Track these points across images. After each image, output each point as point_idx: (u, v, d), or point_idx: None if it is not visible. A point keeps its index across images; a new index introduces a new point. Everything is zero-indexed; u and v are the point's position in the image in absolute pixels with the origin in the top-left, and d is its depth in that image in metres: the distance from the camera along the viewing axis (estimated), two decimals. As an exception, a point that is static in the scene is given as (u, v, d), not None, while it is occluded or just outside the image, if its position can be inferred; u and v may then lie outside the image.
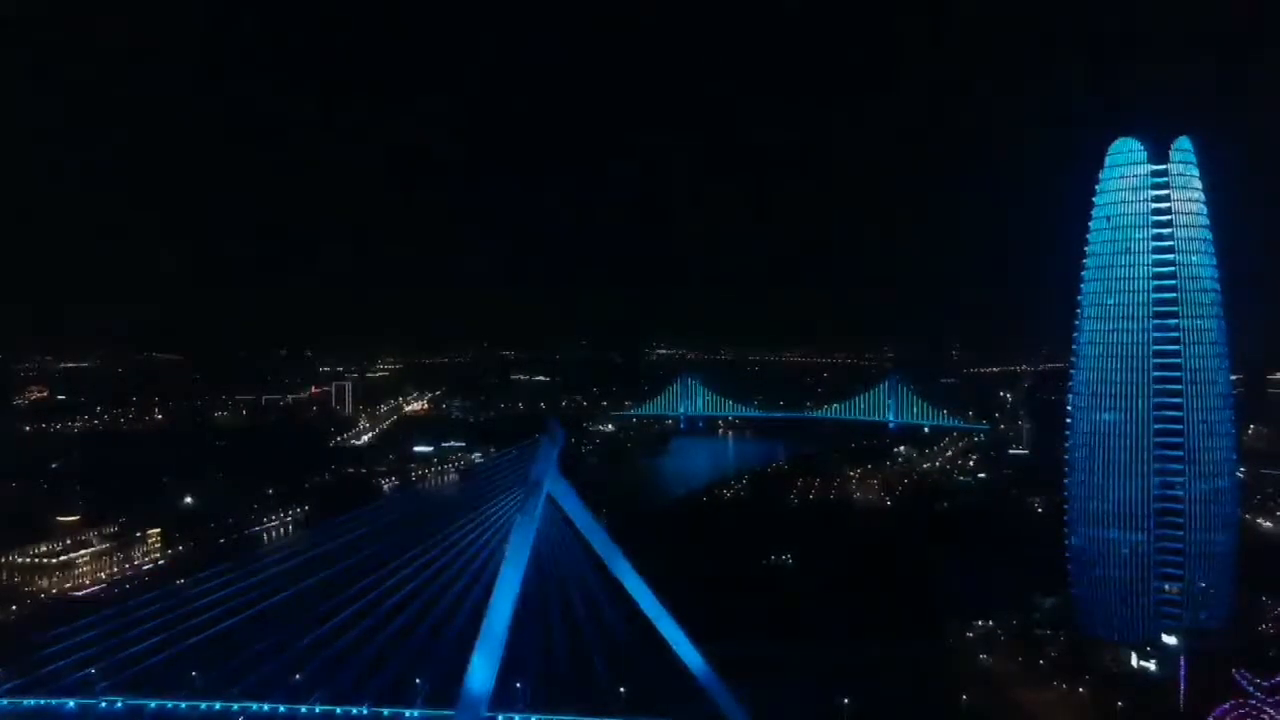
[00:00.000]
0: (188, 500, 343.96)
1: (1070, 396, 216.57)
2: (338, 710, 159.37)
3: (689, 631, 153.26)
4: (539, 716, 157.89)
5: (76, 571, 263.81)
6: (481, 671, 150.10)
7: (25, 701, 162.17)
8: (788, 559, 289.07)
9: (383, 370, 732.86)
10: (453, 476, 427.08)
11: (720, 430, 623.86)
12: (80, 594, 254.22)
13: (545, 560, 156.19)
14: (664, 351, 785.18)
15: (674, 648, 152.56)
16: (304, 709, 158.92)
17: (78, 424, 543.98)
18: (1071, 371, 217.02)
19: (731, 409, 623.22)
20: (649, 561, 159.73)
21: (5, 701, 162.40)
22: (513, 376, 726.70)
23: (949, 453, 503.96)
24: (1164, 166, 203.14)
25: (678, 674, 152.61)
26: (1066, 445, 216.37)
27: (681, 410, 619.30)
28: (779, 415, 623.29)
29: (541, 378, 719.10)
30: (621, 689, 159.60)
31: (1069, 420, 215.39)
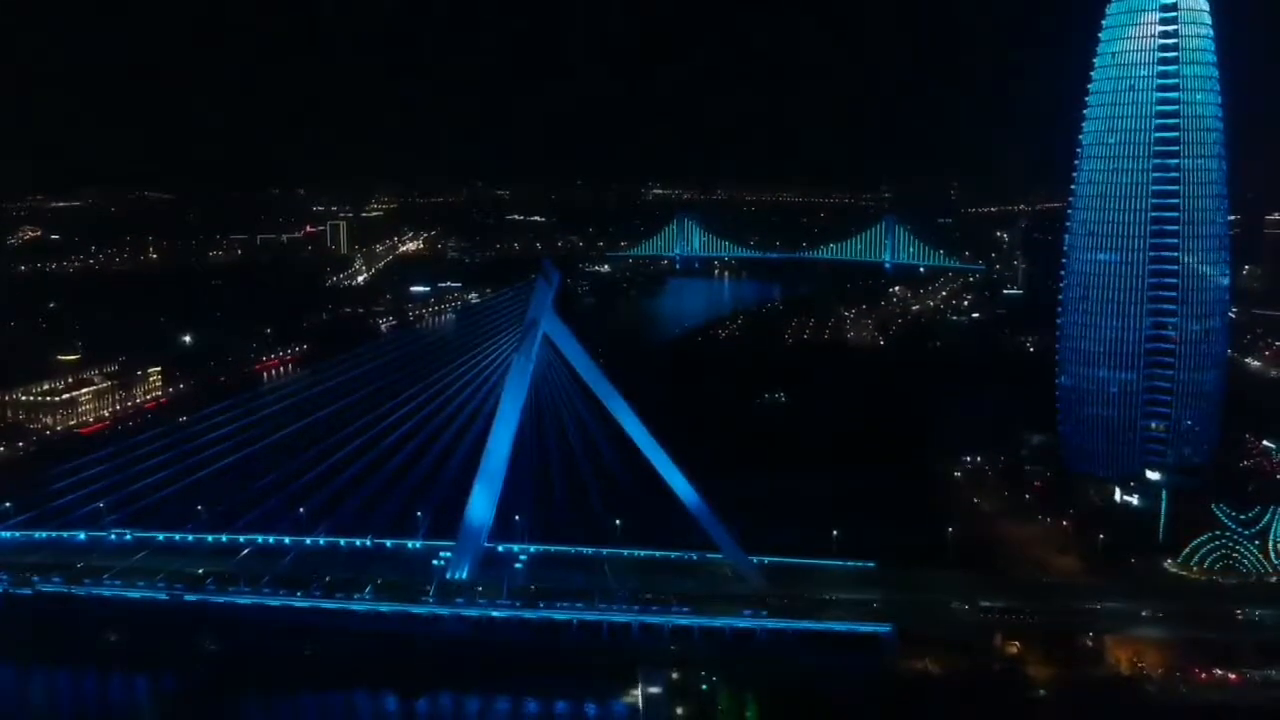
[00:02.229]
0: (186, 339, 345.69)
1: (1067, 236, 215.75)
2: (341, 542, 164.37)
3: (683, 467, 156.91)
4: (537, 547, 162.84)
5: (80, 409, 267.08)
6: (481, 504, 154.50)
7: (37, 534, 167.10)
8: (781, 397, 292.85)
9: (377, 210, 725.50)
10: (450, 316, 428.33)
11: (716, 271, 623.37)
12: (84, 431, 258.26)
13: (542, 398, 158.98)
14: (660, 192, 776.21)
15: (668, 482, 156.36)
16: (308, 541, 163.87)
17: (72, 264, 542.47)
18: (1069, 211, 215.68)
19: (727, 249, 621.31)
20: (644, 399, 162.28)
21: (18, 534, 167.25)
22: (508, 216, 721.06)
23: (944, 293, 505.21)
24: (1173, 0, 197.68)
25: (671, 508, 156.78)
26: (1061, 285, 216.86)
27: (677, 251, 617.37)
28: (775, 256, 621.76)
29: (537, 218, 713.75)
30: (617, 521, 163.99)
31: (1065, 260, 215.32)
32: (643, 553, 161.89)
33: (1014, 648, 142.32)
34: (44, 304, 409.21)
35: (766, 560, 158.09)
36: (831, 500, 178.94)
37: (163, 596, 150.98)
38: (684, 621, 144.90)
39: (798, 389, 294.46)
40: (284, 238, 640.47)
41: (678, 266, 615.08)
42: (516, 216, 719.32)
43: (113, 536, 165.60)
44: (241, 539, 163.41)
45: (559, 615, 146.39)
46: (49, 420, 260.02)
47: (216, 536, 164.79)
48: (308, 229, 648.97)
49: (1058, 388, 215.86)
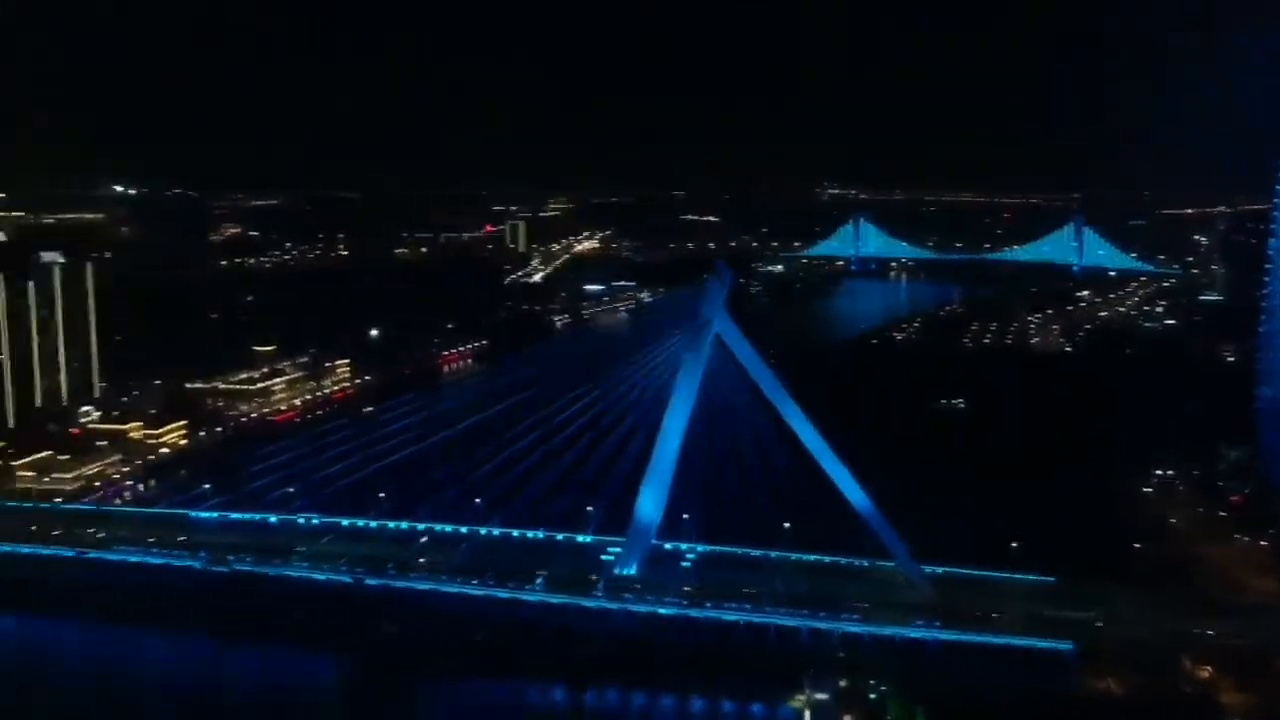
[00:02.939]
0: (372, 333, 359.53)
1: (1272, 240, 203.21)
2: (514, 533, 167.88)
3: (854, 472, 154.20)
4: (704, 547, 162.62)
5: (273, 398, 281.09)
6: (650, 501, 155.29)
7: (232, 515, 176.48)
8: (960, 403, 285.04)
9: (554, 209, 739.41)
10: (623, 315, 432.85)
11: (893, 272, 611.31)
12: (277, 419, 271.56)
13: (713, 398, 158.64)
14: (836, 191, 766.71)
15: (839, 487, 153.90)
16: (483, 531, 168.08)
17: (269, 260, 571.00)
18: (1275, 214, 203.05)
19: (905, 250, 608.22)
20: (816, 402, 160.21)
21: (216, 514, 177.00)
22: (682, 216, 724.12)
23: (1136, 297, 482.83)
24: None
25: (842, 513, 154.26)
26: (1265, 291, 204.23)
27: (853, 251, 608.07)
28: (955, 257, 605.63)
29: (711, 218, 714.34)
30: (786, 524, 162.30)
31: (1269, 265, 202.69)
32: (811, 557, 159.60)
33: (1206, 672, 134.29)
34: (243, 297, 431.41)
35: (940, 570, 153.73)
36: (1011, 511, 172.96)
37: (346, 580, 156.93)
38: (853, 628, 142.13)
39: (977, 395, 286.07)
40: (465, 236, 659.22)
41: (853, 267, 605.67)
42: (690, 216, 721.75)
43: (301, 520, 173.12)
44: (420, 527, 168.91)
45: (726, 616, 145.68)
46: (245, 407, 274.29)
47: (397, 523, 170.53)
48: (488, 228, 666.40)
49: (1258, 399, 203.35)
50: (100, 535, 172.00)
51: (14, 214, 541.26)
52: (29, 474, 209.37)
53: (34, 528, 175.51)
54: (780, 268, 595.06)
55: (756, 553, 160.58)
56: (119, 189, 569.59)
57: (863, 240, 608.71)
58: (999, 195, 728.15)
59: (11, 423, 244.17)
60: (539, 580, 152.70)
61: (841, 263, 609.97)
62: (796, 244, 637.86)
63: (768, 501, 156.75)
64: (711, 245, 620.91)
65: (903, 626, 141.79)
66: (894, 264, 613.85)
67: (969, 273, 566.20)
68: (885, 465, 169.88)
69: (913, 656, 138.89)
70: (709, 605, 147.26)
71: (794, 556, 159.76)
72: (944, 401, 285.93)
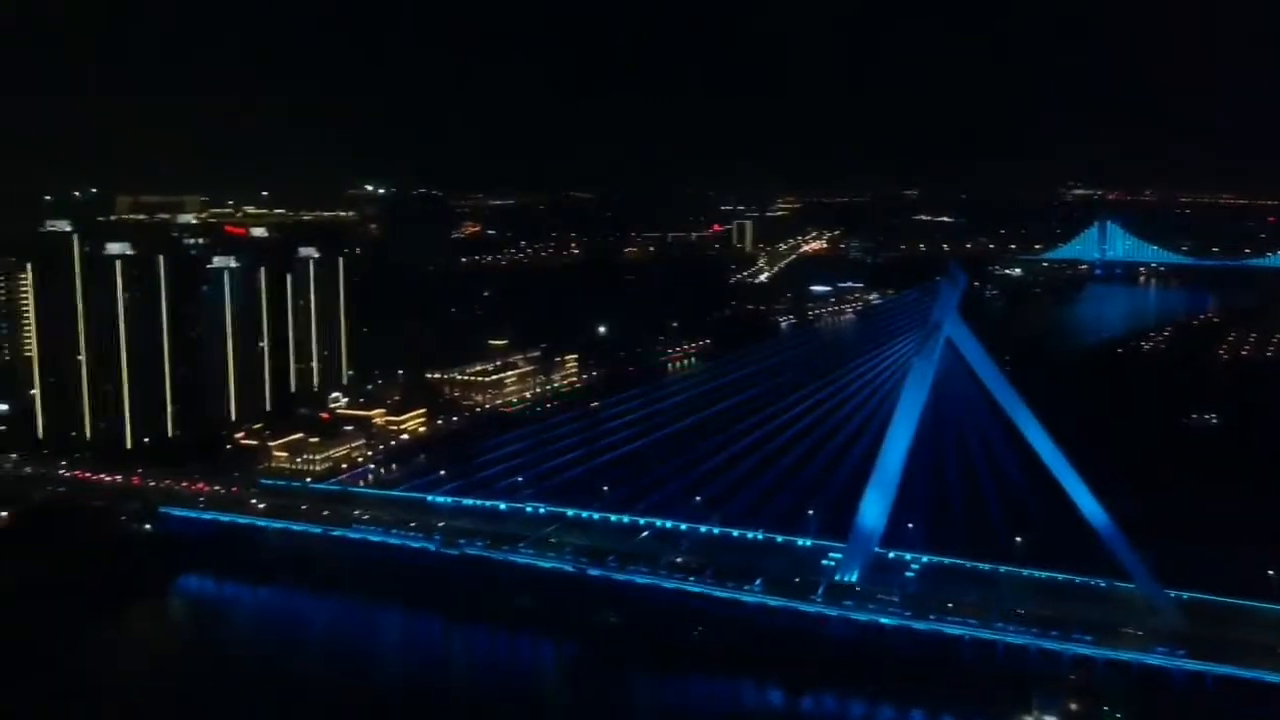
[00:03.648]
0: (600, 329, 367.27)
1: None
2: (734, 533, 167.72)
3: (1093, 486, 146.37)
4: (930, 557, 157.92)
5: (505, 389, 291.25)
6: (874, 507, 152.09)
7: (465, 501, 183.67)
8: (1212, 418, 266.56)
9: (782, 209, 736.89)
10: (849, 316, 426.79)
11: (1141, 278, 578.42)
12: (509, 410, 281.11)
13: (943, 404, 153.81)
14: (1081, 192, 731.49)
15: (1076, 501, 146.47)
16: (703, 529, 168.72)
17: (504, 257, 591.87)
18: None
19: (1155, 254, 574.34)
20: (1053, 412, 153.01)
21: (450, 499, 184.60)
22: (915, 216, 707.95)
23: None
24: None
25: (1078, 529, 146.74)
26: None
27: (1098, 255, 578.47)
28: (1211, 262, 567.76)
29: (945, 218, 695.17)
30: (1017, 538, 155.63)
31: None
32: (1043, 574, 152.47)
33: None
34: (480, 292, 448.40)
35: (1185, 595, 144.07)
36: (1271, 536, 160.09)
37: (569, 569, 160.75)
38: (1086, 651, 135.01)
39: (1233, 410, 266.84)
40: (693, 235, 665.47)
41: (1098, 272, 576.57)
42: (923, 216, 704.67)
43: (528, 509, 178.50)
44: (641, 521, 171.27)
45: (950, 629, 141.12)
46: (479, 398, 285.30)
47: (619, 517, 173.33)
48: (715, 228, 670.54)
49: None
50: (344, 514, 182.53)
51: (276, 212, 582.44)
52: (283, 454, 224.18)
53: (286, 505, 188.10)
54: (1018, 271, 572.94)
55: (985, 566, 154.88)
56: (369, 188, 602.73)
57: (1109, 243, 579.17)
58: (1262, 196, 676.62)
59: (269, 406, 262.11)
60: (758, 582, 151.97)
61: (1085, 267, 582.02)
62: (1037, 246, 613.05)
63: (999, 514, 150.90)
64: (945, 247, 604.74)
65: (1142, 652, 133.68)
66: (1142, 269, 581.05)
67: (1226, 279, 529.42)
68: (1128, 482, 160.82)
69: (1152, 685, 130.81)
70: (932, 617, 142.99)
71: (1025, 572, 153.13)
72: (1195, 416, 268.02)
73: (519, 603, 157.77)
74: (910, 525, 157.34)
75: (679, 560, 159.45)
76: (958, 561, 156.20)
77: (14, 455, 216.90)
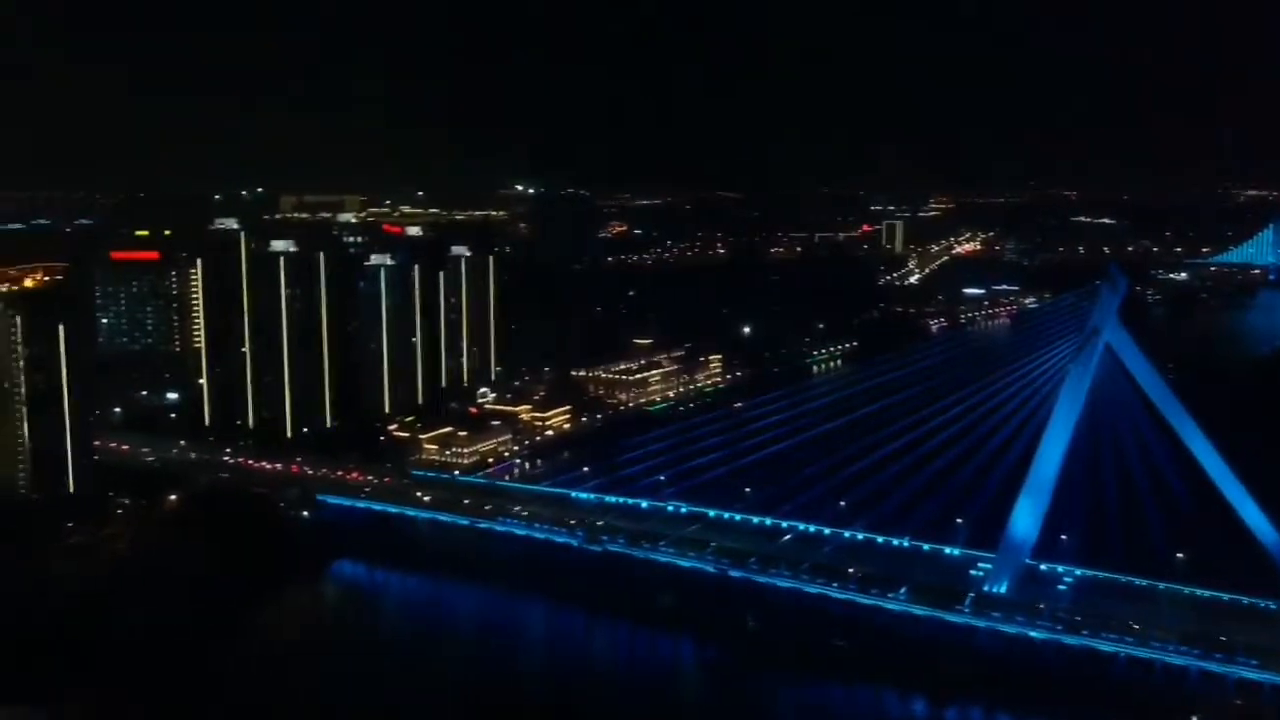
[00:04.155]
0: (745, 330, 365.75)
1: None
2: (879, 539, 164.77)
3: (1264, 503, 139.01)
4: (1083, 570, 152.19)
5: (649, 388, 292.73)
6: (1025, 518, 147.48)
7: (608, 498, 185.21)
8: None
9: (934, 209, 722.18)
10: (1003, 320, 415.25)
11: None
12: (652, 408, 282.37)
13: (1100, 413, 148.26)
14: (1254, 193, 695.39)
15: (1243, 517, 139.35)
16: (847, 534, 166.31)
17: (650, 256, 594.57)
18: None
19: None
20: (1219, 424, 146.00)
21: (593, 496, 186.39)
22: (1073, 218, 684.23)
23: None
24: None
25: (1246, 546, 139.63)
26: None
27: (1272, 259, 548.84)
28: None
29: (1106, 220, 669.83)
30: (1179, 554, 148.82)
31: None
32: (1207, 592, 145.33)
33: None
34: (625, 292, 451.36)
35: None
36: None
37: (710, 569, 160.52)
38: (1253, 675, 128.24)
39: None
40: (841, 236, 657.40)
41: (1271, 278, 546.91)
42: (1083, 218, 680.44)
43: (670, 507, 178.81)
44: (784, 524, 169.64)
45: (1104, 646, 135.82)
46: (623, 396, 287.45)
47: (761, 519, 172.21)
48: (864, 228, 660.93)
49: None
50: (490, 507, 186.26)
51: (431, 211, 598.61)
52: (433, 447, 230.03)
53: (435, 496, 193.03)
54: (1184, 275, 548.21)
55: (1143, 582, 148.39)
56: (520, 188, 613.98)
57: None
58: None
59: (420, 399, 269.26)
60: (902, 590, 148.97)
61: (1257, 272, 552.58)
62: (1204, 250, 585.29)
63: (1159, 527, 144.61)
64: (1105, 249, 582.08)
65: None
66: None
67: None
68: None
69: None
70: (1085, 633, 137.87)
71: (1186, 590, 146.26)
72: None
73: (659, 601, 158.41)
74: (1064, 537, 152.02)
75: (822, 565, 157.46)
76: (1114, 576, 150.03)
77: (183, 441, 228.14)
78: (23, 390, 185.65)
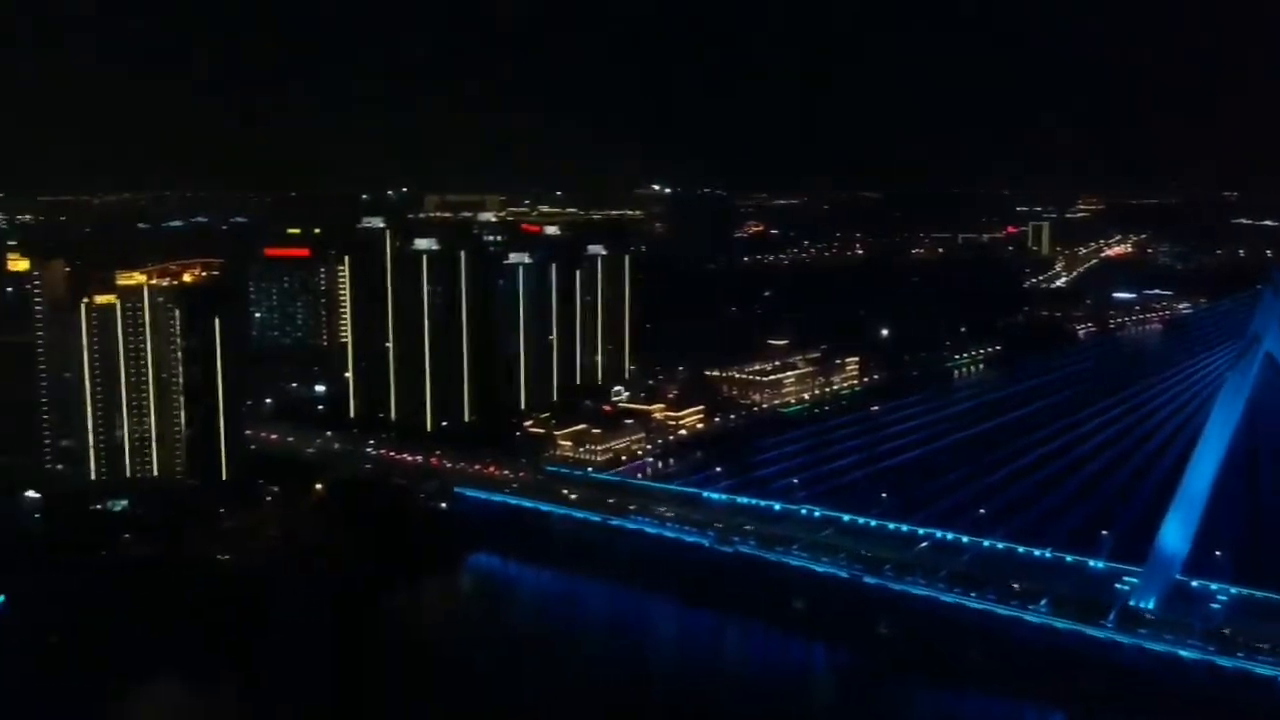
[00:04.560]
0: (883, 332, 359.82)
1: None
2: (1019, 549, 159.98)
3: None
4: (1239, 589, 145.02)
5: (783, 389, 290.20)
6: (1176, 531, 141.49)
7: (740, 499, 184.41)
8: None
9: (1082, 210, 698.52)
10: (1155, 326, 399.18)
11: None
12: (786, 410, 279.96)
13: (1259, 424, 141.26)
14: None
15: None
16: (986, 543, 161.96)
17: (786, 256, 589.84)
18: None
19: None
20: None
21: (725, 497, 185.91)
22: (1234, 220, 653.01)
23: None
24: None
25: None
26: None
27: None
28: None
29: (1269, 222, 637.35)
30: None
31: None
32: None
33: None
34: (761, 292, 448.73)
35: None
36: None
37: (843, 575, 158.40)
38: None
39: None
40: (985, 237, 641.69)
41: None
42: (1243, 220, 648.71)
43: (803, 511, 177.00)
44: (920, 531, 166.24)
45: (1261, 669, 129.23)
46: (757, 397, 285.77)
47: (897, 525, 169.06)
48: (1009, 229, 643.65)
49: None
50: (623, 504, 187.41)
51: (568, 211, 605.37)
52: (567, 443, 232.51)
53: (569, 492, 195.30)
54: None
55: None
56: (656, 188, 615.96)
57: None
58: None
59: (555, 396, 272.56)
60: (1043, 602, 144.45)
61: None
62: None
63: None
64: (1269, 253, 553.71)
65: None
66: None
67: None
68: None
69: None
70: (1240, 655, 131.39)
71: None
72: None
73: (790, 604, 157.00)
74: (1218, 553, 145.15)
75: (959, 573, 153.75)
76: (1272, 596, 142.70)
77: (328, 432, 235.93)
78: (180, 380, 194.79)
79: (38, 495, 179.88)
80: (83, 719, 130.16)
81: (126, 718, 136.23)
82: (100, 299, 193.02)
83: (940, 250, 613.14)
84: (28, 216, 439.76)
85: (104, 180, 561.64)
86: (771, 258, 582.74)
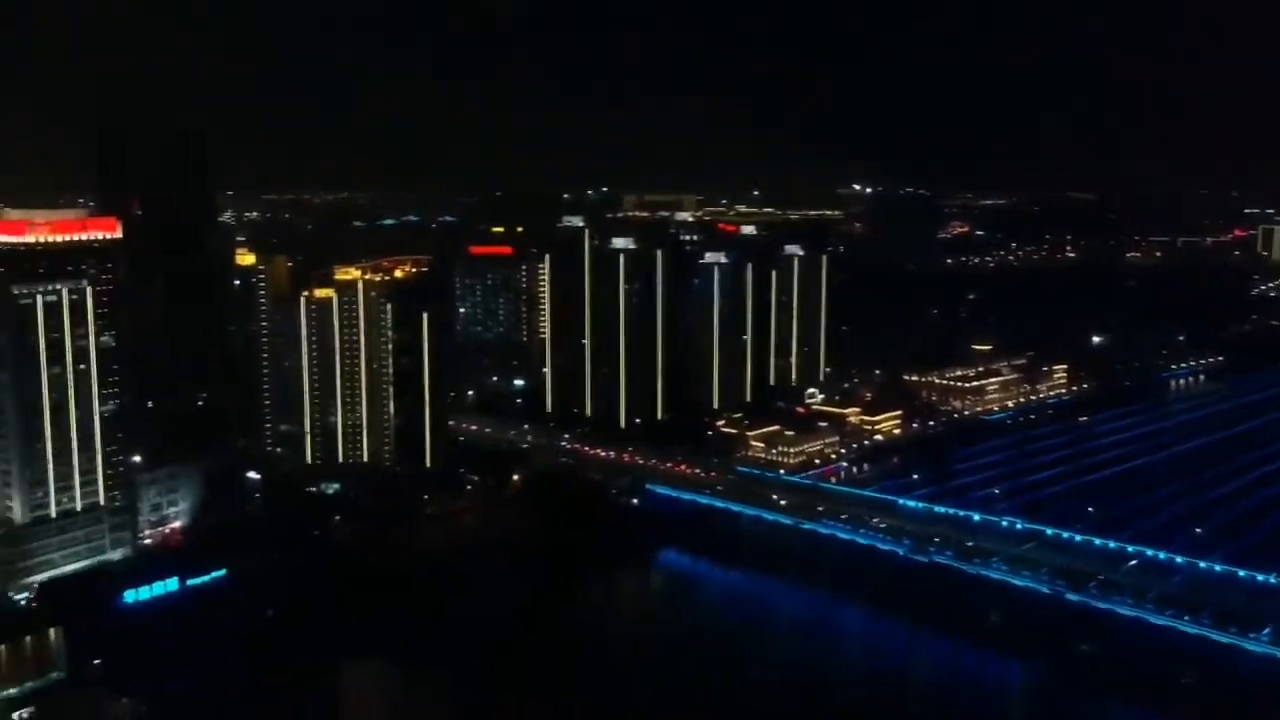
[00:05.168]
0: (1094, 339, 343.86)
1: None
2: (1240, 573, 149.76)
3: None
4: None
5: (986, 396, 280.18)
6: None
7: (937, 508, 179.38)
8: None
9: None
10: None
11: None
12: (989, 418, 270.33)
13: None
14: None
15: None
16: (1203, 564, 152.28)
17: (992, 259, 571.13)
18: None
19: None
20: None
21: (921, 505, 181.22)
22: None
23: None
24: None
25: None
26: None
27: None
28: None
29: None
30: None
31: None
32: None
33: None
34: (964, 295, 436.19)
35: None
36: None
37: (1045, 590, 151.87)
38: None
39: None
40: (1208, 241, 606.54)
41: None
42: None
43: (1004, 523, 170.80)
44: (1130, 548, 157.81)
45: None
46: (958, 404, 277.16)
47: (1104, 541, 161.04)
48: (1236, 232, 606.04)
49: None
50: (815, 508, 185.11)
51: (765, 211, 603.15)
52: (759, 444, 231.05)
53: (760, 494, 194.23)
54: None
55: None
56: (858, 188, 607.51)
57: None
58: None
59: (748, 396, 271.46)
60: (1266, 630, 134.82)
61: None
62: None
63: None
64: None
65: None
66: None
67: None
68: None
69: None
70: None
71: None
72: None
73: (987, 618, 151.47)
74: None
75: (1171, 596, 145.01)
76: None
77: (526, 425, 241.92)
78: (390, 372, 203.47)
79: (258, 476, 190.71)
80: (296, 690, 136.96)
81: (336, 691, 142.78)
82: (319, 293, 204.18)
83: (1158, 254, 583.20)
84: (254, 214, 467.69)
85: (323, 180, 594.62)
86: (976, 260, 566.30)
